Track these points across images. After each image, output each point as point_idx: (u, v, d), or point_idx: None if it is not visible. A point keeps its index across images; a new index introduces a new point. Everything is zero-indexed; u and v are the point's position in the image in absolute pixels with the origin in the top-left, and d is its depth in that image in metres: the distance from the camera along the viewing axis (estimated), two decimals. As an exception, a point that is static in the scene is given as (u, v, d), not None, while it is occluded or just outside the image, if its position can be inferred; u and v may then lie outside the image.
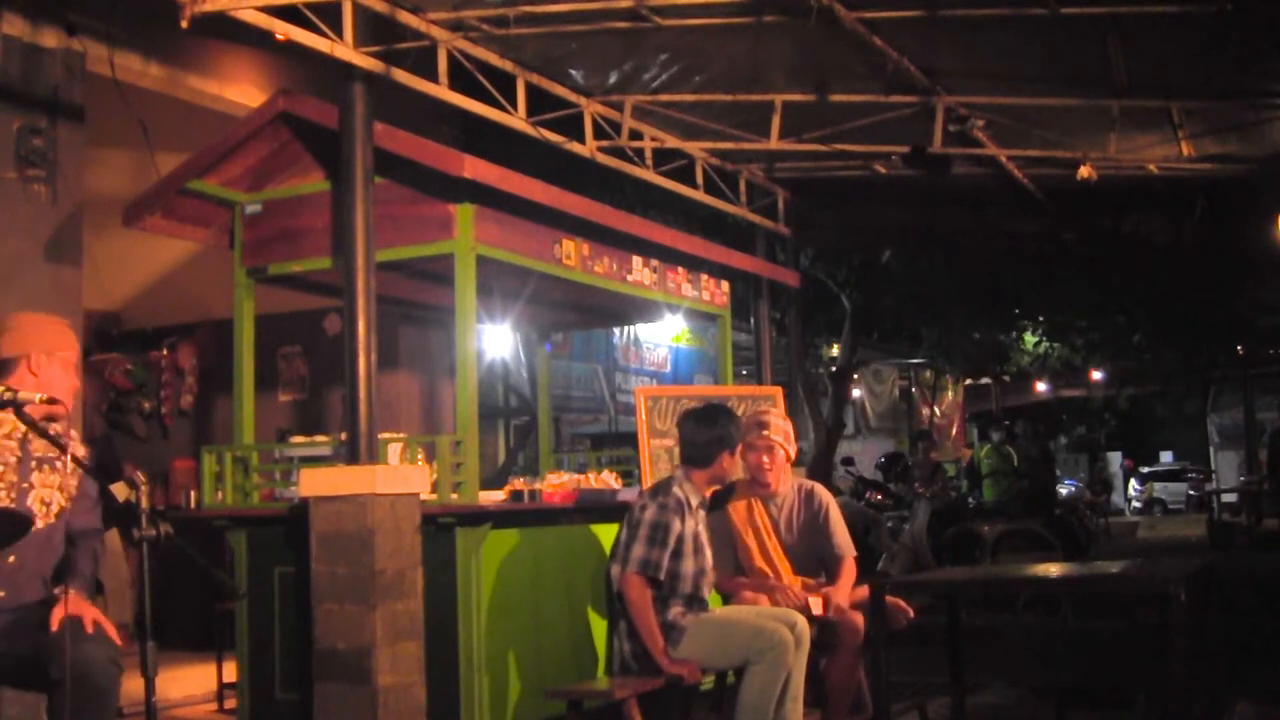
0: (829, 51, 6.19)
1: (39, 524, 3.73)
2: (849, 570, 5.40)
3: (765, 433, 5.40)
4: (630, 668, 4.87)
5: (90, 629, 3.52)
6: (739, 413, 5.49)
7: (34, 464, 3.75)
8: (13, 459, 3.71)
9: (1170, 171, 8.08)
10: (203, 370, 9.35)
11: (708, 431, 5.02)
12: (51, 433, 3.63)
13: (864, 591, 5.17)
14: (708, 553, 5.07)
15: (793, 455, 5.55)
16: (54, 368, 3.85)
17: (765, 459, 5.40)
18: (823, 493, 5.60)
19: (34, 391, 3.58)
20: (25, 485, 3.72)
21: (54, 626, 3.47)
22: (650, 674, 4.81)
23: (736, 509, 5.46)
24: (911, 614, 5.31)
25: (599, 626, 5.73)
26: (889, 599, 5.10)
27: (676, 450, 5.44)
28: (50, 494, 3.78)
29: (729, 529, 5.42)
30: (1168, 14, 5.55)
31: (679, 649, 4.82)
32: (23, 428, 3.70)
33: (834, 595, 5.22)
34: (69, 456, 3.65)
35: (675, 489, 4.99)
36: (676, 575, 4.90)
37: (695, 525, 5.02)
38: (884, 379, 20.30)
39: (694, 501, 5.03)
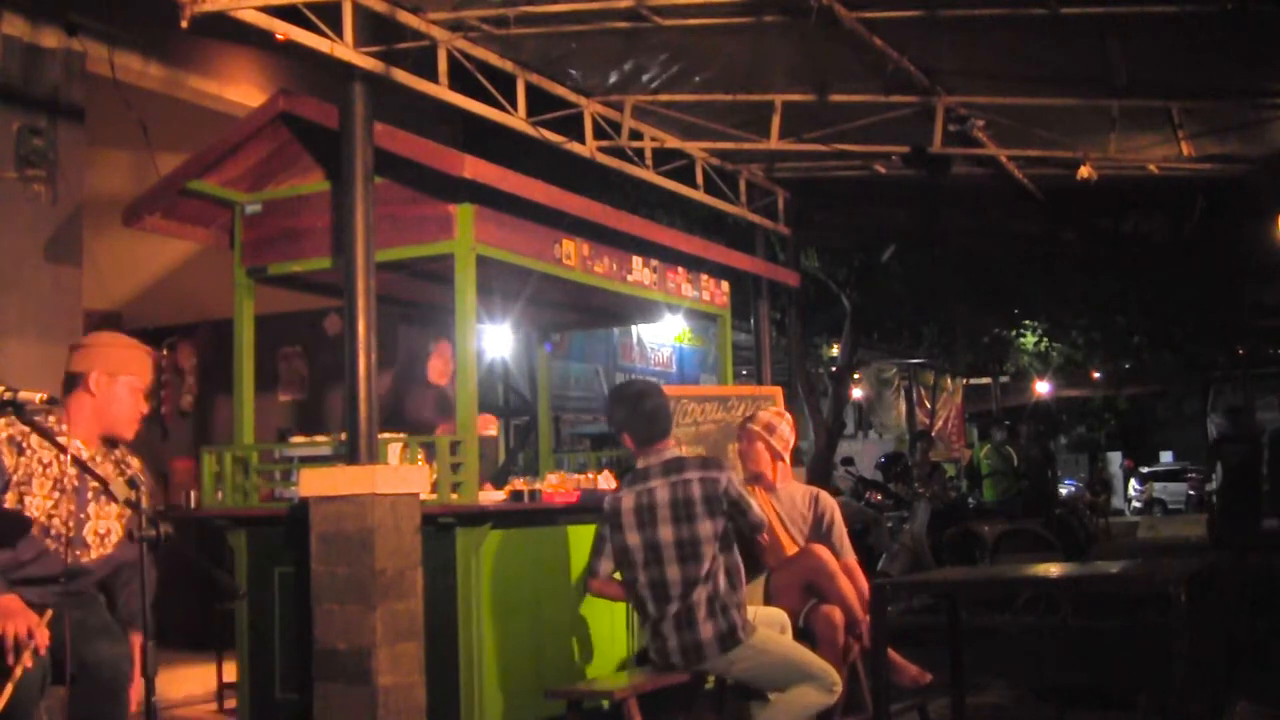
0: (829, 51, 6.18)
1: (93, 555, 3.68)
2: (847, 569, 5.41)
3: (749, 425, 5.65)
4: (689, 660, 4.65)
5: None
6: (739, 413, 5.47)
7: (90, 494, 3.70)
8: (70, 487, 3.65)
9: (1170, 171, 8.07)
10: (203, 370, 9.35)
11: (656, 400, 4.89)
12: (56, 435, 3.60)
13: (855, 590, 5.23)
14: None
15: (778, 449, 5.57)
16: (115, 389, 3.73)
17: (744, 445, 5.64)
18: (828, 500, 5.66)
19: (89, 411, 3.54)
20: (83, 516, 3.68)
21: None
22: (689, 667, 4.71)
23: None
24: (929, 678, 5.30)
25: (599, 626, 5.73)
26: (904, 662, 5.16)
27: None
28: (108, 524, 3.73)
29: None
30: (1168, 14, 5.55)
31: (733, 654, 4.60)
32: (85, 455, 3.64)
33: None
34: (70, 457, 3.62)
35: (709, 457, 4.89)
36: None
37: None
38: (886, 379, 20.31)
39: None
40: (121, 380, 3.75)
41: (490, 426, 6.00)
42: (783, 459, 5.64)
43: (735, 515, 4.70)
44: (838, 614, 5.10)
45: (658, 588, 4.64)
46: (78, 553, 3.65)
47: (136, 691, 3.59)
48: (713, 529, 4.62)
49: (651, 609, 4.68)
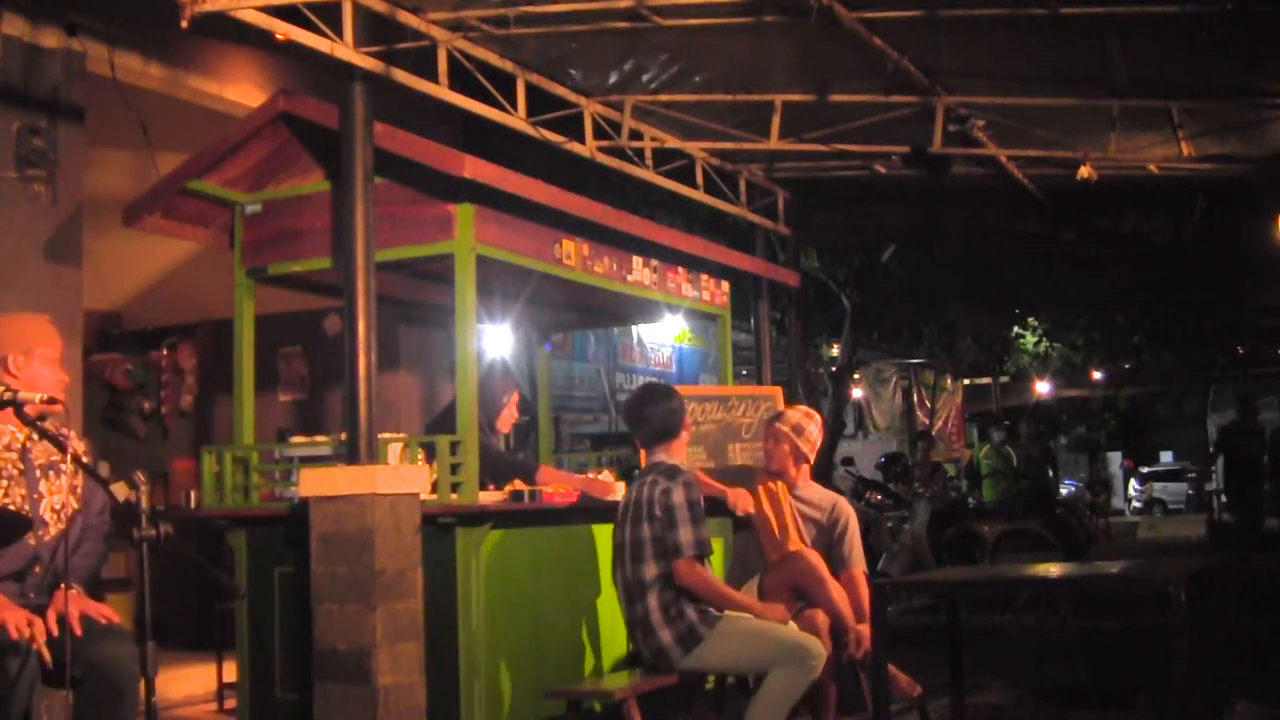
0: (829, 51, 6.18)
1: (52, 532, 3.68)
2: (849, 578, 5.40)
3: (777, 424, 5.67)
4: (660, 665, 4.75)
5: (102, 621, 3.52)
6: (739, 413, 5.49)
7: (39, 472, 3.70)
8: (15, 471, 3.66)
9: (1170, 171, 8.07)
10: (203, 370, 9.35)
11: (660, 405, 4.98)
12: (51, 432, 3.61)
13: (848, 600, 5.23)
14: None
15: (804, 451, 5.59)
16: (34, 365, 3.76)
17: (770, 444, 5.66)
18: (846, 508, 5.66)
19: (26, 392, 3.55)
20: (36, 496, 3.68)
21: (52, 622, 3.43)
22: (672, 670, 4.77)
23: (760, 479, 5.63)
24: (919, 690, 5.30)
25: (599, 626, 5.73)
26: (895, 671, 5.15)
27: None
28: (62, 499, 3.74)
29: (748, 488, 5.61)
30: (1168, 14, 5.55)
31: (699, 650, 4.67)
32: (20, 437, 3.66)
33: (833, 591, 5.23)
34: (70, 455, 3.62)
35: (678, 467, 4.93)
36: None
37: None
38: (886, 379, 20.28)
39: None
40: (37, 354, 3.78)
41: (612, 492, 6.00)
42: (808, 460, 5.65)
43: (665, 526, 4.71)
44: (821, 617, 5.08)
45: (626, 587, 4.80)
46: (40, 533, 3.65)
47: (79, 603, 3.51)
48: (650, 533, 4.72)
49: (623, 608, 4.83)
